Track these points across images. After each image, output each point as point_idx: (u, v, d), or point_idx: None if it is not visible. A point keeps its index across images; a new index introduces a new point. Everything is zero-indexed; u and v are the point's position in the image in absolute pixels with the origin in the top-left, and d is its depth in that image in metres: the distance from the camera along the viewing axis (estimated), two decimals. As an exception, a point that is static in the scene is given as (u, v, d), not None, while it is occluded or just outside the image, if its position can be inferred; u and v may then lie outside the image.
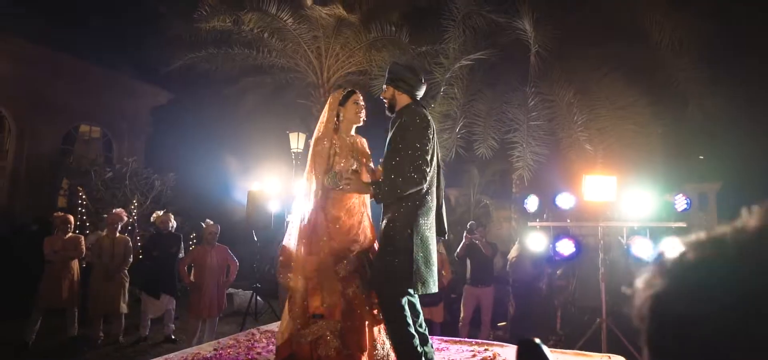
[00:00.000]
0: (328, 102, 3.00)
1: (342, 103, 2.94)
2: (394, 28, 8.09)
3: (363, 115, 2.97)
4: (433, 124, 2.63)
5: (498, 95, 7.31)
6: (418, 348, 2.52)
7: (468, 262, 6.40)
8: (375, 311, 2.78)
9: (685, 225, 5.33)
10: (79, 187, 9.24)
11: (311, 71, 9.91)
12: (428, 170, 2.50)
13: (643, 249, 5.46)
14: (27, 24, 10.72)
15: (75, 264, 6.42)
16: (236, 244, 7.10)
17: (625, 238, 5.63)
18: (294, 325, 2.74)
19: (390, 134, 2.66)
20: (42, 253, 6.21)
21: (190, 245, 9.39)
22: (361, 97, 3.00)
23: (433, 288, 2.59)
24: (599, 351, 5.38)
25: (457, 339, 3.77)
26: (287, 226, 3.13)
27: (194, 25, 7.90)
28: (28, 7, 10.93)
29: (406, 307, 2.55)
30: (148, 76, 12.68)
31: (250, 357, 3.29)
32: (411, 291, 2.55)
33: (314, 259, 2.75)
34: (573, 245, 5.82)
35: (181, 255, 7.07)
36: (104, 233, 6.63)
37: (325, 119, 2.94)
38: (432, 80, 7.35)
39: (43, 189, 11.12)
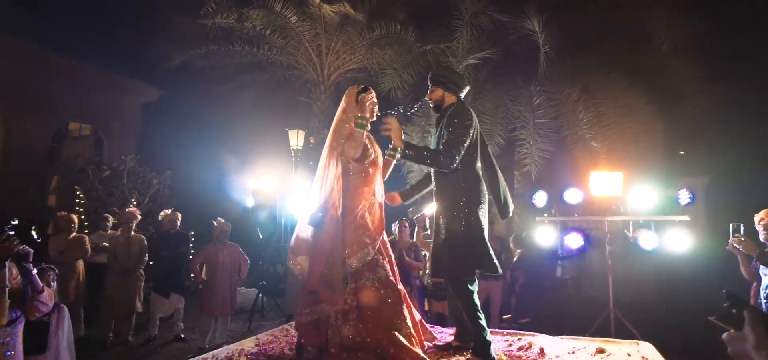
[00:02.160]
0: (346, 95, 3.07)
1: (357, 98, 3.02)
2: (399, 27, 8.15)
3: (376, 110, 3.05)
4: (476, 122, 2.92)
5: (503, 93, 7.47)
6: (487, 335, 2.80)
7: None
8: (391, 302, 2.77)
9: (689, 218, 5.59)
10: (75, 186, 9.01)
11: (311, 68, 9.89)
12: (458, 158, 2.75)
13: (648, 241, 5.72)
14: (14, 20, 10.36)
15: (80, 263, 6.30)
16: (238, 242, 7.05)
17: (631, 231, 5.87)
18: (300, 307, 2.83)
19: (439, 126, 2.96)
20: (46, 254, 6.06)
21: (191, 244, 9.27)
22: (375, 95, 3.09)
23: (497, 269, 2.83)
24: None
25: (490, 330, 3.87)
26: (299, 216, 3.17)
27: (198, 21, 7.79)
28: (15, 2, 10.56)
29: (473, 290, 2.78)
30: (139, 72, 12.43)
31: (292, 351, 3.32)
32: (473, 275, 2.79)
33: (325, 248, 2.80)
34: (581, 238, 6.04)
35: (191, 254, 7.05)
36: (118, 232, 6.52)
37: (343, 107, 3.02)
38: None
39: (31, 187, 10.77)
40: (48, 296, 2.48)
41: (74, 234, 6.29)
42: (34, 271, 2.41)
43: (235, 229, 9.48)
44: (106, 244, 6.52)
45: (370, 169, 2.98)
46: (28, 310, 2.40)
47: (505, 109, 7.39)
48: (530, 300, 6.81)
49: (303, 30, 8.76)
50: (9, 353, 2.32)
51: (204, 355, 3.13)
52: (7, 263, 2.23)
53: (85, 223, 8.58)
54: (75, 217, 6.38)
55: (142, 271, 6.40)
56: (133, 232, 6.39)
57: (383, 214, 3.07)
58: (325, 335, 2.72)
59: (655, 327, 6.42)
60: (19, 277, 2.37)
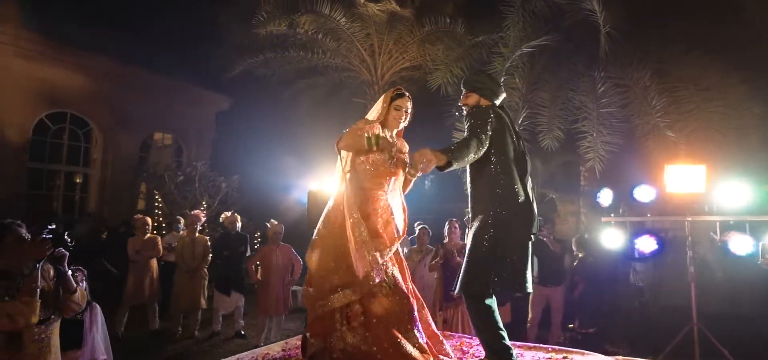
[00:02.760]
0: (381, 97, 3.01)
1: (389, 102, 2.94)
2: (448, 20, 7.85)
3: (404, 119, 2.95)
4: (506, 120, 2.71)
5: (563, 82, 6.83)
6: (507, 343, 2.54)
7: (535, 260, 6.07)
8: (399, 311, 2.64)
9: (793, 218, 4.67)
10: (155, 191, 9.93)
11: (365, 69, 9.91)
12: (485, 142, 2.56)
13: (741, 245, 4.88)
14: (106, 43, 11.67)
15: (154, 262, 6.87)
16: (298, 243, 7.24)
17: (718, 233, 5.06)
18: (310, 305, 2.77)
19: None
20: (126, 253, 6.72)
21: (255, 244, 9.78)
22: (408, 102, 2.95)
23: (522, 287, 2.56)
24: (690, 358, 4.89)
25: (532, 345, 3.52)
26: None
27: (252, 30, 8.15)
28: (107, 28, 11.89)
29: (493, 306, 2.54)
30: (212, 83, 13.37)
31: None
32: (490, 290, 2.53)
33: (334, 247, 2.73)
34: (655, 242, 5.34)
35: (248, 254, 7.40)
36: (184, 233, 7.02)
37: (378, 109, 2.96)
38: (490, 71, 7.04)
39: (124, 194, 12.10)
40: (80, 296, 2.61)
41: (148, 235, 6.88)
42: (69, 272, 2.55)
43: (296, 230, 9.79)
44: (175, 244, 7.07)
45: (384, 168, 2.84)
46: (62, 308, 2.55)
47: (564, 99, 6.76)
48: (596, 309, 6.18)
49: (353, 31, 8.80)
50: None
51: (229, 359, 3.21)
52: (39, 265, 2.36)
53: (163, 225, 9.44)
54: (149, 220, 6.98)
55: (205, 269, 6.82)
56: (197, 234, 6.84)
57: (400, 216, 2.92)
58: (330, 339, 2.63)
59: (750, 345, 5.48)
60: (55, 277, 2.52)
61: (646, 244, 5.40)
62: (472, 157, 2.54)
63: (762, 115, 5.83)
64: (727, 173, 5.16)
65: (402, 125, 2.99)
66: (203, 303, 6.80)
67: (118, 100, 12.14)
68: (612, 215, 5.66)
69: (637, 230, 5.57)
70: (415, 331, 2.64)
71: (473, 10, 7.79)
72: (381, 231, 2.73)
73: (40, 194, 11.61)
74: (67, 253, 2.46)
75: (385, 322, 2.59)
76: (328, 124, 11.46)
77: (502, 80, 6.85)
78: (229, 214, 7.42)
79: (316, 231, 2.94)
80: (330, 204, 2.93)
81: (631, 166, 6.34)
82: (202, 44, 11.92)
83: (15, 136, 10.71)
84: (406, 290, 2.72)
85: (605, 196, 5.76)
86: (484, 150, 2.55)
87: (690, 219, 5.27)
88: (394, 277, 2.71)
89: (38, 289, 2.32)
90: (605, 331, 6.15)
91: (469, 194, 2.75)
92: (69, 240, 2.47)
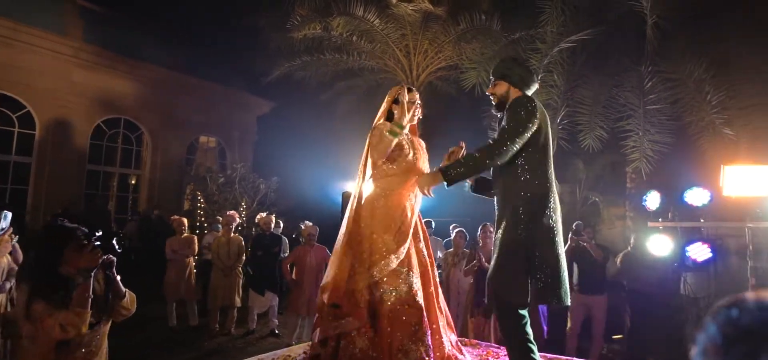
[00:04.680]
0: (388, 94, 3.00)
1: (396, 101, 2.90)
2: (483, 17, 7.63)
3: (418, 113, 2.95)
4: (544, 116, 2.48)
5: (606, 79, 6.42)
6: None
7: (575, 266, 5.73)
8: (406, 321, 2.55)
9: None
10: (198, 192, 10.37)
11: (400, 70, 9.84)
12: (513, 149, 2.38)
13: (810, 255, 4.37)
14: (155, 50, 12.38)
15: (190, 261, 7.13)
16: (334, 244, 7.27)
17: (782, 241, 4.56)
18: (321, 315, 2.74)
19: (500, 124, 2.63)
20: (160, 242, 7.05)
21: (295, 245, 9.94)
22: (415, 96, 2.96)
23: (558, 301, 2.33)
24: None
25: (563, 357, 3.31)
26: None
27: (288, 34, 8.30)
28: (154, 35, 12.60)
29: (522, 317, 2.36)
30: (254, 88, 13.82)
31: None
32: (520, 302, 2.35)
33: (351, 252, 2.69)
34: (709, 249, 4.90)
35: (284, 254, 7.53)
36: (220, 233, 7.26)
37: (383, 107, 2.97)
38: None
39: (172, 194, 12.75)
40: (130, 300, 2.54)
41: (185, 234, 7.17)
42: (118, 277, 2.49)
43: (333, 232, 9.80)
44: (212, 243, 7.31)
45: (406, 173, 2.80)
46: (111, 314, 2.49)
47: (608, 97, 6.34)
48: (645, 320, 5.73)
49: (387, 32, 8.76)
50: None
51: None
52: (93, 273, 2.26)
53: (204, 225, 9.82)
54: (185, 220, 7.26)
55: (240, 269, 7.00)
56: (232, 234, 7.04)
57: (417, 221, 2.85)
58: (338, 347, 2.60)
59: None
60: (104, 282, 2.45)
61: (699, 252, 4.97)
62: (482, 170, 2.42)
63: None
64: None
65: (415, 120, 2.94)
66: (238, 301, 6.98)
67: (166, 106, 12.85)
68: (660, 220, 5.25)
69: (690, 237, 5.13)
70: (421, 342, 2.53)
71: (510, 6, 7.52)
72: (399, 232, 2.67)
73: (97, 194, 12.47)
74: (115, 259, 2.41)
75: (392, 330, 2.53)
76: (365, 126, 11.45)
77: (539, 78, 6.56)
78: (264, 215, 7.60)
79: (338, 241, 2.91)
80: (350, 209, 2.88)
81: (682, 168, 5.84)
82: (244, 50, 12.35)
83: (76, 140, 11.58)
84: (417, 299, 2.62)
85: (653, 200, 5.37)
86: (502, 159, 2.37)
87: (751, 225, 4.78)
88: (410, 284, 2.62)
89: (90, 298, 2.25)
90: (652, 344, 5.70)
91: (498, 194, 2.56)
92: (117, 246, 2.42)
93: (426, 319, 2.61)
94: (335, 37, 8.69)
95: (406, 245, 2.68)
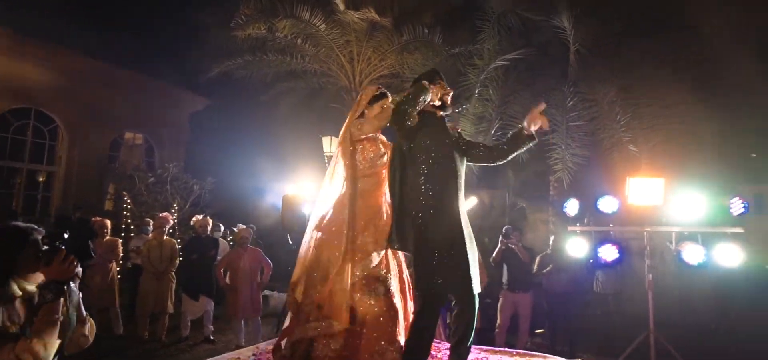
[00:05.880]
0: (362, 93, 2.96)
1: (371, 102, 2.86)
2: (426, 30, 8.02)
3: (384, 120, 2.87)
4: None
5: (535, 95, 7.05)
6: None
7: (505, 267, 6.22)
8: (383, 322, 2.58)
9: (742, 230, 4.96)
10: (123, 192, 9.68)
11: (343, 75, 9.97)
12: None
13: (693, 255, 5.14)
14: (77, 37, 11.36)
15: (113, 266, 6.68)
16: (273, 247, 7.20)
17: (674, 243, 5.32)
18: (296, 315, 2.71)
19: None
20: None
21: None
22: (389, 102, 2.90)
23: (453, 289, 2.55)
24: (647, 363, 5.11)
25: (497, 349, 3.63)
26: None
27: (231, 33, 8.10)
28: (78, 21, 11.58)
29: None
30: (187, 83, 13.17)
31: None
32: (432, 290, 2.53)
33: (326, 255, 2.65)
34: (617, 251, 5.56)
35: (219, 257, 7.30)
36: (151, 236, 6.88)
37: (356, 107, 2.92)
38: (466, 83, 7.22)
39: (91, 193, 11.72)
40: (90, 329, 1.97)
41: (108, 238, 6.70)
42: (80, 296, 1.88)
43: (271, 234, 9.69)
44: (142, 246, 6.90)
45: (383, 172, 2.81)
46: (67, 343, 1.83)
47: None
48: (564, 315, 6.37)
49: (333, 37, 8.86)
50: None
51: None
52: (66, 288, 1.74)
53: (131, 227, 9.19)
54: (108, 222, 6.78)
55: (173, 273, 6.69)
56: (165, 236, 6.71)
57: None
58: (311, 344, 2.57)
59: (703, 352, 5.78)
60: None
61: (608, 253, 5.61)
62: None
63: (717, 133, 6.20)
64: (684, 186, 5.44)
65: (383, 126, 2.92)
66: (170, 307, 6.66)
67: (88, 97, 11.80)
68: (577, 225, 5.87)
69: (601, 239, 5.79)
70: (393, 343, 2.57)
71: (451, 22, 7.99)
72: (378, 231, 2.68)
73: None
74: (80, 270, 1.84)
75: (369, 331, 2.53)
76: (305, 129, 11.46)
77: (476, 92, 7.06)
78: (200, 217, 7.33)
79: (309, 237, 2.82)
80: (322, 214, 2.81)
81: (596, 178, 6.61)
82: (180, 44, 11.78)
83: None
84: (396, 303, 2.66)
85: (572, 207, 5.96)
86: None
87: (649, 229, 5.52)
88: (388, 286, 2.65)
89: (59, 321, 1.71)
90: (570, 337, 6.35)
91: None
92: (92, 248, 1.97)
93: (402, 322, 2.66)
94: (280, 38, 8.62)
95: (384, 246, 2.70)
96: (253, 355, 3.39)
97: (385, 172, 2.80)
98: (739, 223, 5.09)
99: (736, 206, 5.16)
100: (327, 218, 2.77)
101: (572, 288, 6.35)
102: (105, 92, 12.03)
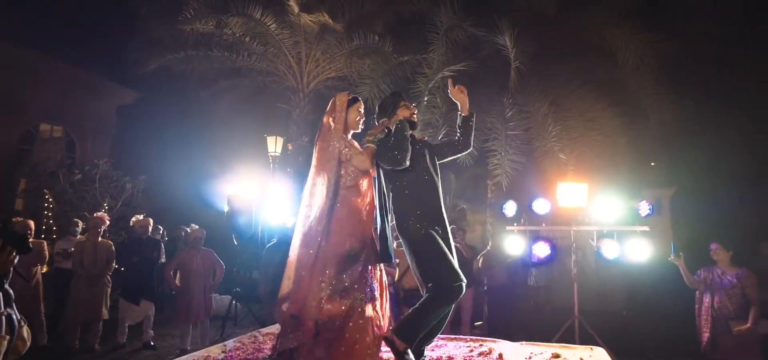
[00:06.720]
0: (336, 104, 2.94)
1: (347, 107, 2.94)
2: (377, 38, 8.30)
3: (362, 122, 3.01)
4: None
5: (477, 105, 7.64)
6: None
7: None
8: (364, 326, 2.64)
9: (648, 229, 5.84)
10: (44, 190, 8.80)
11: (291, 76, 9.95)
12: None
13: (610, 250, 5.95)
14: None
15: (37, 270, 6.15)
16: (214, 248, 7.03)
17: (594, 240, 6.09)
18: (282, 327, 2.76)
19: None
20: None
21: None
22: (362, 106, 3.07)
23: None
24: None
25: (453, 336, 3.98)
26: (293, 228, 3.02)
27: (177, 26, 7.78)
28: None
29: None
30: (114, 75, 12.24)
31: (257, 358, 3.36)
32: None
33: (310, 260, 2.69)
34: (549, 248, 6.23)
35: (162, 260, 6.98)
36: (84, 238, 6.40)
37: (334, 120, 2.91)
38: (415, 90, 7.61)
39: (-2, 191, 10.47)
40: (28, 335, 1.85)
41: (32, 239, 6.13)
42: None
43: (211, 234, 9.38)
44: (73, 249, 6.40)
45: (364, 182, 2.90)
46: (10, 349, 1.67)
47: (478, 120, 7.55)
48: (501, 307, 6.96)
49: (282, 38, 8.83)
50: None
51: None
52: (6, 283, 1.61)
53: (54, 228, 8.40)
54: (32, 223, 6.21)
55: (109, 277, 6.30)
56: (100, 238, 6.29)
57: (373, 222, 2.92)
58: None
59: (616, 333, 6.67)
60: None
61: (541, 250, 6.27)
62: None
63: (629, 145, 7.20)
64: (603, 190, 6.26)
65: (360, 128, 3.03)
66: (105, 313, 6.25)
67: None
68: (515, 224, 6.48)
69: (535, 238, 6.45)
70: (382, 345, 2.66)
71: (401, 31, 8.35)
72: (362, 238, 2.74)
73: None
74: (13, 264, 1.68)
75: (354, 335, 2.58)
76: (248, 128, 11.21)
77: (425, 99, 7.49)
78: (140, 217, 6.94)
79: (295, 249, 2.82)
80: (306, 223, 2.82)
81: (531, 182, 7.33)
82: (110, 33, 10.93)
83: None
84: (379, 308, 2.77)
85: (510, 208, 6.55)
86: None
87: (574, 228, 6.26)
88: (372, 290, 2.73)
89: (4, 318, 1.61)
90: (506, 327, 6.95)
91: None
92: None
93: (384, 326, 2.78)
94: (228, 34, 8.42)
95: (367, 251, 2.77)
96: (222, 352, 3.42)
97: (366, 182, 2.90)
98: (645, 222, 5.96)
99: (644, 208, 6.03)
100: (309, 231, 2.78)
101: (510, 281, 6.97)
102: (15, 79, 10.79)
